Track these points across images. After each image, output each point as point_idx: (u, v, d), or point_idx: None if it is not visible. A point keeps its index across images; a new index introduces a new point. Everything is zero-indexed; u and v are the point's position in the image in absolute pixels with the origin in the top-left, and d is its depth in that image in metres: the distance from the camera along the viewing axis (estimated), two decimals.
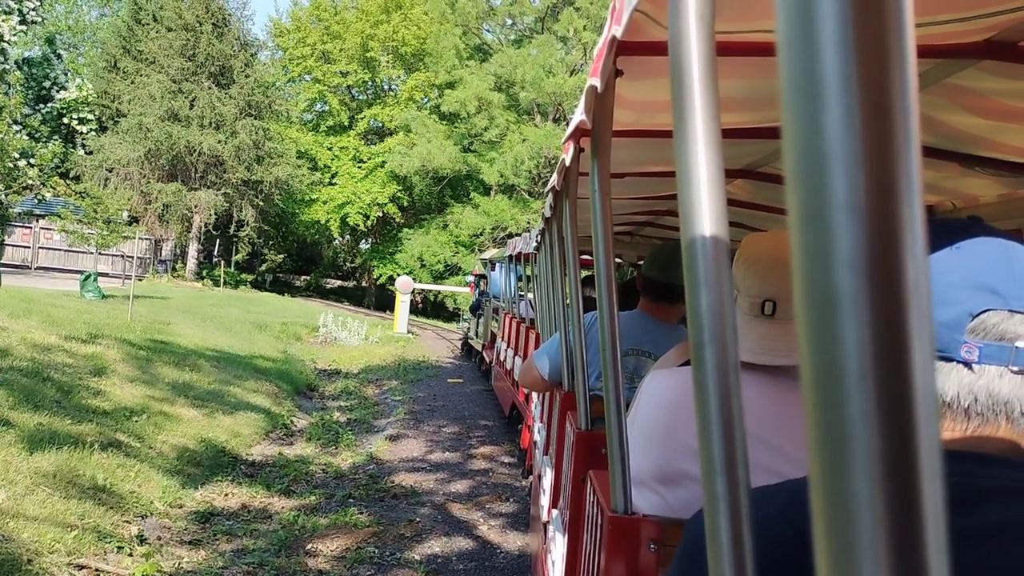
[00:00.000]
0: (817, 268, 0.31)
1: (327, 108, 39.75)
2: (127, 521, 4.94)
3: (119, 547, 4.53)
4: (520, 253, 9.16)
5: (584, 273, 4.63)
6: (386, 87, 40.44)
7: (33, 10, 30.45)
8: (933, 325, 0.32)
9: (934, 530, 0.31)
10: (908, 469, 0.31)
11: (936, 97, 1.89)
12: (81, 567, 4.16)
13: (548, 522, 3.14)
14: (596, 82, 1.51)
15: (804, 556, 0.68)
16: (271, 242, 40.89)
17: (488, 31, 34.88)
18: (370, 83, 39.56)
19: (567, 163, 2.36)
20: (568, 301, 2.91)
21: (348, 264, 44.90)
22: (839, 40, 0.30)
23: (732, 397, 0.67)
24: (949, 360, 0.74)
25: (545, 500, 3.48)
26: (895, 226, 0.31)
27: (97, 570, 4.19)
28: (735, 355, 0.68)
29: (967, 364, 0.73)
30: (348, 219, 36.84)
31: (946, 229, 0.77)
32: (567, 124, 2.08)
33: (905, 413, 0.31)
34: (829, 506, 0.32)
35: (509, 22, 34.05)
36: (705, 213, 0.65)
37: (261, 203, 34.13)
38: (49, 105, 34.76)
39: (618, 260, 6.60)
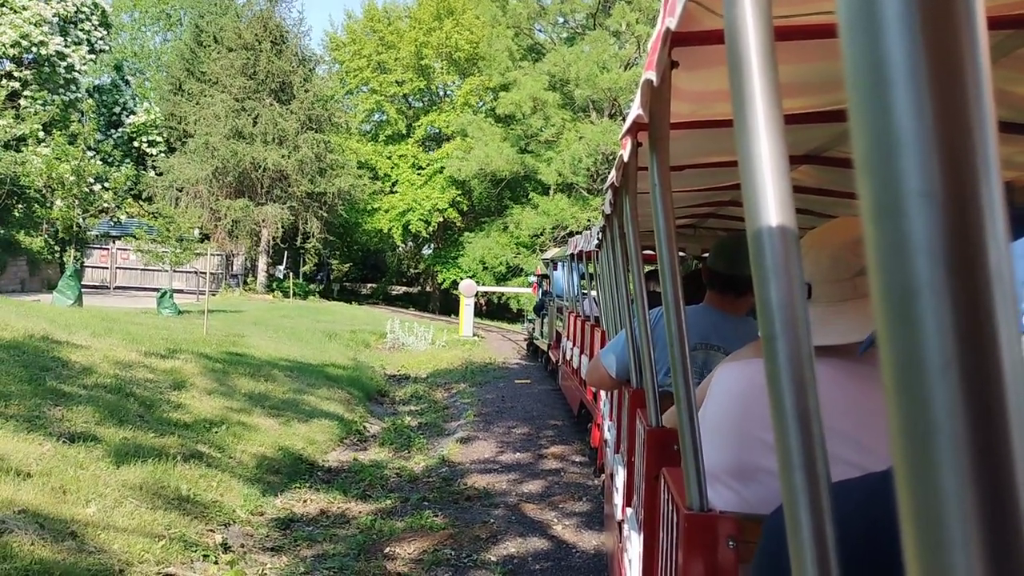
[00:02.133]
0: (893, 259, 0.30)
1: (385, 117, 40.30)
2: (211, 530, 5.08)
3: (204, 555, 4.66)
4: (582, 251, 9.13)
5: (647, 268, 4.59)
6: (441, 93, 40.82)
7: (101, 39, 31.69)
8: (1019, 310, 0.30)
9: None
10: (1000, 461, 0.29)
11: (1009, 70, 1.82)
12: (170, 575, 4.30)
13: (623, 521, 3.12)
14: (652, 75, 1.49)
15: (879, 553, 0.66)
16: (337, 252, 41.65)
17: (540, 31, 34.88)
18: (426, 90, 39.97)
19: (625, 159, 2.34)
20: (632, 297, 2.88)
21: (412, 270, 45.45)
22: (904, 19, 0.29)
23: (808, 389, 0.66)
24: None
25: (619, 499, 3.46)
26: (974, 211, 0.29)
27: None
28: (808, 346, 0.66)
29: None
30: (410, 226, 37.30)
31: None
32: (623, 119, 2.07)
33: (994, 403, 0.30)
34: (917, 504, 0.30)
35: (561, 20, 34.00)
36: (770, 202, 0.64)
37: (325, 214, 34.79)
38: (120, 130, 36.09)
39: (681, 254, 6.52)
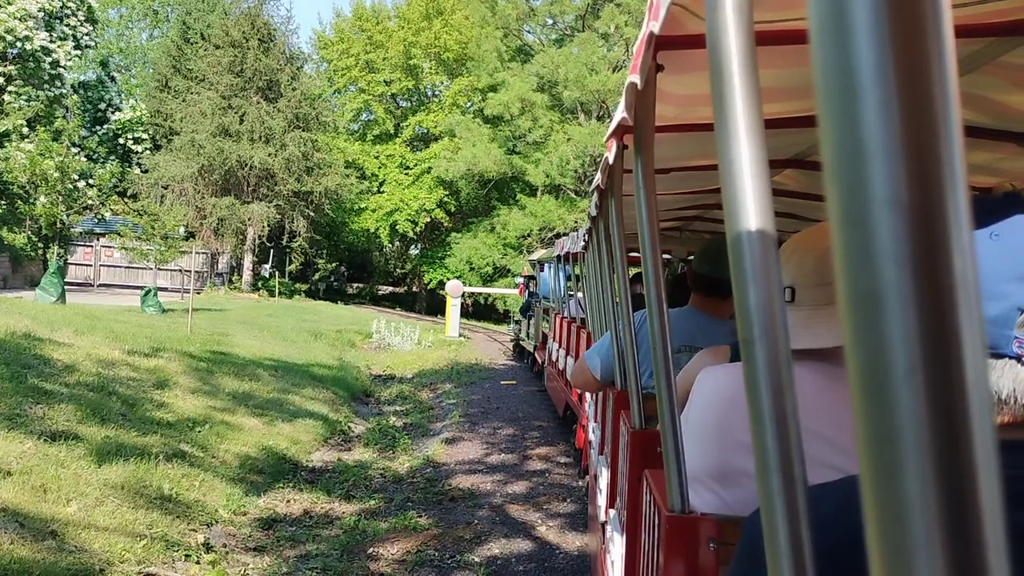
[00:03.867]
0: (860, 265, 0.31)
1: (373, 117, 40.22)
2: (193, 529, 5.05)
3: (187, 555, 4.63)
4: (568, 253, 9.14)
5: (633, 271, 4.59)
6: (430, 93, 40.76)
7: (87, 35, 31.49)
8: (983, 319, 0.30)
9: (992, 529, 0.30)
10: (963, 467, 0.30)
11: (990, 77, 1.84)
12: (151, 575, 4.27)
13: (606, 522, 3.13)
14: (636, 79, 1.50)
15: (854, 556, 0.66)
16: (323, 251, 41.54)
17: (529, 32, 34.91)
18: (414, 90, 39.90)
19: (611, 161, 2.35)
20: (618, 299, 2.89)
21: (399, 270, 45.37)
22: (873, 28, 0.29)
23: (785, 393, 0.66)
24: (1000, 356, 0.71)
25: (602, 500, 3.46)
26: (940, 219, 0.30)
27: None
28: (787, 350, 0.67)
29: (1019, 359, 0.70)
30: (397, 226, 37.21)
31: (982, 210, 0.74)
32: (611, 122, 2.07)
33: (957, 409, 0.30)
34: (881, 507, 0.31)
35: (550, 22, 34.04)
36: (750, 206, 0.64)
37: (312, 213, 34.68)
38: (105, 127, 35.87)
39: (667, 256, 6.55)
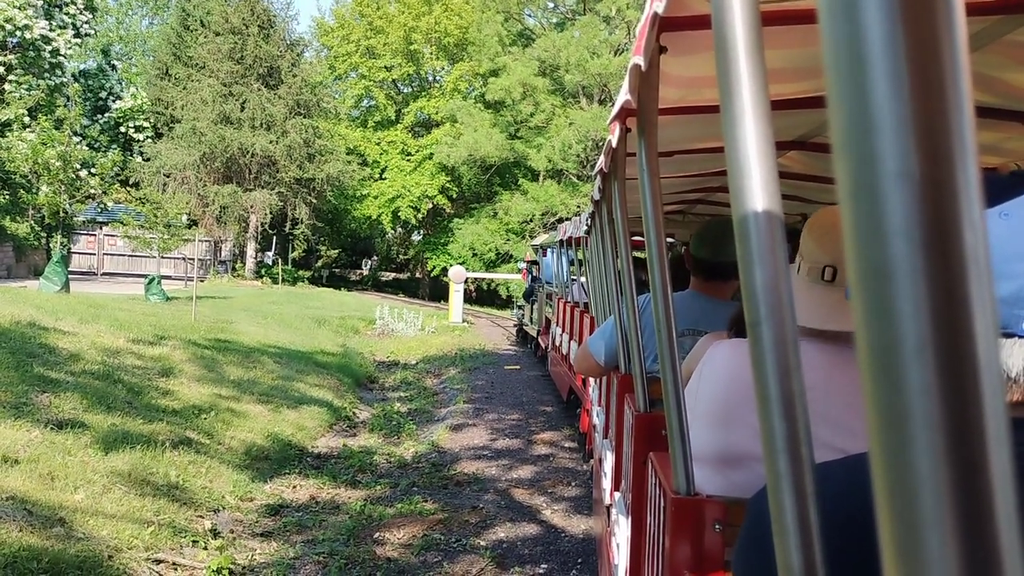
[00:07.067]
0: (870, 240, 0.30)
1: (374, 103, 40.08)
2: (200, 516, 5.08)
3: (194, 541, 4.66)
4: (571, 237, 9.13)
5: (635, 255, 4.58)
6: (431, 79, 40.60)
7: (86, 23, 31.37)
8: (994, 294, 0.30)
9: (1003, 506, 0.30)
10: (973, 444, 0.30)
11: (996, 56, 1.83)
12: (159, 562, 4.30)
13: (611, 505, 3.14)
14: (640, 60, 1.49)
15: (862, 534, 0.66)
16: (325, 238, 41.50)
17: (530, 16, 34.73)
18: (415, 76, 39.75)
19: (614, 144, 2.34)
20: (621, 283, 2.89)
21: (401, 257, 45.33)
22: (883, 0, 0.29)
23: (792, 374, 0.66)
24: (1011, 336, 0.71)
25: (607, 483, 3.47)
26: (950, 193, 0.29)
27: (174, 564, 4.33)
28: (793, 331, 0.66)
29: None
30: (399, 213, 37.17)
31: (990, 189, 0.73)
32: (614, 105, 2.06)
33: (968, 385, 0.30)
34: (892, 484, 0.31)
35: (551, 5, 33.87)
36: (756, 188, 0.64)
37: (314, 200, 34.63)
38: (106, 115, 35.81)
39: (671, 240, 6.54)
